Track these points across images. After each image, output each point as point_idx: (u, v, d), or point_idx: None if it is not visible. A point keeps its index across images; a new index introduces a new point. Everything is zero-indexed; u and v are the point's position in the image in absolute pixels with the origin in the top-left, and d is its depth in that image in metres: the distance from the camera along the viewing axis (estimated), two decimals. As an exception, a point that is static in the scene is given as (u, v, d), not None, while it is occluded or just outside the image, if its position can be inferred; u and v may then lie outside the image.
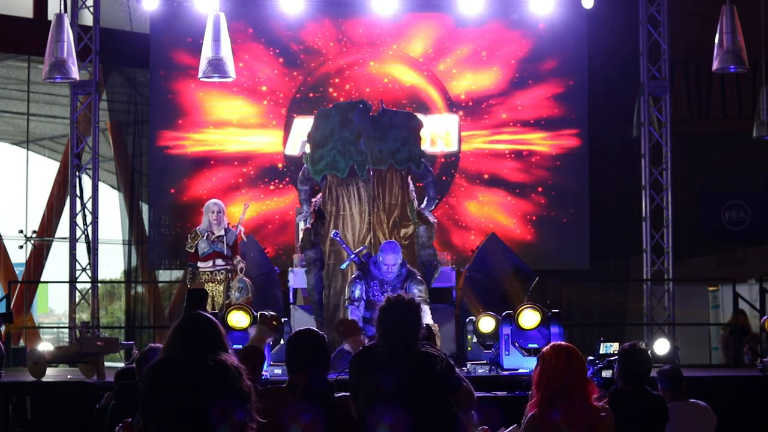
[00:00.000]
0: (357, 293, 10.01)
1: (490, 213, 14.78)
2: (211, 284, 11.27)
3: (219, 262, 11.33)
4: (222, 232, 11.30)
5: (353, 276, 10.17)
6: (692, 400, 7.16)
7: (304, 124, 14.54)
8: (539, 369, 5.30)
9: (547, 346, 5.40)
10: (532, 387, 5.31)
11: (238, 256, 11.38)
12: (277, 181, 14.65)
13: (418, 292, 9.98)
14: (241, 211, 11.84)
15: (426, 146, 14.22)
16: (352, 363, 5.06)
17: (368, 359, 5.02)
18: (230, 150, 14.65)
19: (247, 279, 11.22)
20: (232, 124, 14.67)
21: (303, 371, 5.05)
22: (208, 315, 4.59)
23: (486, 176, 14.81)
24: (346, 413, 5.00)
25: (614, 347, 6.96)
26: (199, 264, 11.32)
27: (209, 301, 11.00)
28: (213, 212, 11.38)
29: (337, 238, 10.68)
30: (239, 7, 14.10)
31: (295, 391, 5.01)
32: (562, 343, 5.53)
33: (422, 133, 11.72)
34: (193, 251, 11.41)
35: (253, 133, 14.68)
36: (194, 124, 14.61)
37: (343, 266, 10.75)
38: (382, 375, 4.89)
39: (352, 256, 10.24)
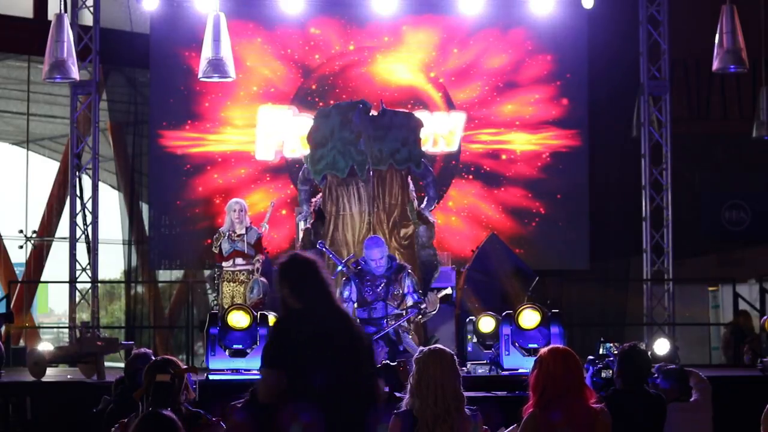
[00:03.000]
0: (345, 294, 10.02)
1: (488, 212, 14.77)
2: (232, 284, 11.15)
3: (239, 261, 11.16)
4: (243, 231, 11.22)
5: (344, 278, 10.18)
6: (692, 400, 7.18)
7: (269, 116, 14.53)
8: (536, 373, 5.29)
9: (545, 349, 5.39)
10: (529, 390, 5.30)
11: (260, 255, 11.22)
12: (278, 180, 14.65)
13: (411, 284, 10.01)
14: (268, 211, 11.74)
15: (428, 146, 14.26)
16: (277, 329, 5.02)
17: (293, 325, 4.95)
18: (230, 150, 14.64)
19: (263, 279, 11.11)
20: (233, 124, 14.66)
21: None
22: (169, 415, 4.46)
23: (485, 175, 14.81)
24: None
25: (614, 347, 6.97)
26: (223, 264, 11.26)
27: (230, 301, 10.93)
28: (235, 211, 11.23)
29: (324, 249, 10.65)
30: (240, 7, 14.09)
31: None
32: (559, 346, 5.53)
33: (423, 132, 11.72)
34: (217, 252, 11.32)
35: (253, 133, 14.67)
36: (195, 124, 14.60)
37: (333, 277, 10.76)
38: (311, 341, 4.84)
39: (341, 265, 10.23)
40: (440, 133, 14.72)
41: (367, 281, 10.01)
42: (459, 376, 5.21)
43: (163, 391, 5.17)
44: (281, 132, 14.59)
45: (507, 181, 14.80)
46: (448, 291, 10.41)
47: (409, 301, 10.00)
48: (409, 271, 10.18)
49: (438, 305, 10.22)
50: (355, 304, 9.96)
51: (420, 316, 10.16)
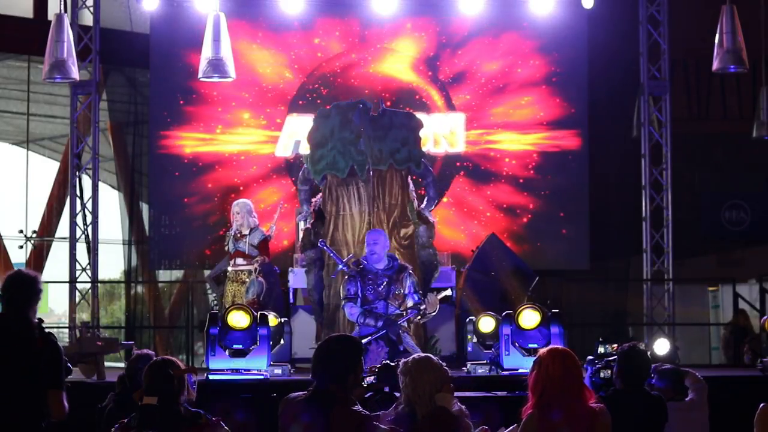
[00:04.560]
0: (351, 291, 10.02)
1: (487, 211, 14.77)
2: (234, 284, 11.20)
3: (239, 261, 11.22)
4: (247, 232, 11.26)
5: (346, 276, 10.19)
6: (688, 399, 7.17)
7: (296, 123, 14.56)
8: (535, 374, 5.30)
9: (544, 350, 5.40)
10: (528, 390, 5.31)
11: (261, 256, 11.22)
12: (278, 180, 14.65)
13: (412, 284, 10.02)
14: (276, 212, 11.77)
15: (429, 146, 14.26)
16: None
17: None
18: (230, 150, 14.65)
19: (261, 279, 11.12)
20: (233, 123, 14.67)
21: (322, 379, 5.12)
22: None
23: (484, 175, 14.81)
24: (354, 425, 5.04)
25: (613, 347, 6.97)
26: (230, 264, 11.35)
27: (230, 301, 10.95)
28: (238, 213, 11.33)
29: (325, 247, 10.66)
30: (240, 7, 14.09)
31: (311, 397, 5.08)
32: (559, 347, 5.53)
33: (423, 132, 11.72)
34: (227, 251, 11.42)
35: (252, 133, 14.69)
36: (194, 124, 14.61)
37: (333, 276, 10.77)
38: None
39: (341, 264, 10.23)
40: (441, 133, 14.73)
41: (368, 280, 10.01)
42: (448, 374, 5.35)
43: (150, 414, 5.16)
44: (300, 134, 14.58)
45: (506, 181, 14.80)
46: (448, 292, 10.40)
47: (410, 302, 10.00)
48: (410, 271, 10.18)
49: (438, 306, 10.21)
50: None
51: (419, 317, 10.15)
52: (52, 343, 5.62)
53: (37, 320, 5.68)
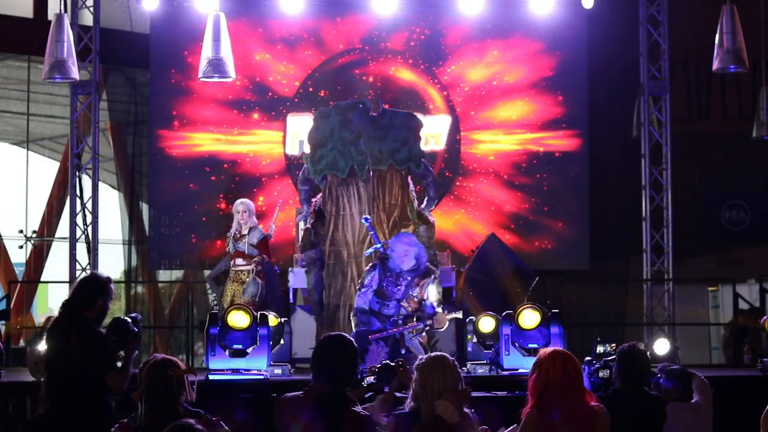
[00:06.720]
0: (366, 280, 10.03)
1: (487, 211, 14.77)
2: (234, 284, 11.23)
3: (239, 261, 11.25)
4: (247, 232, 11.28)
5: (371, 263, 10.20)
6: (693, 401, 7.16)
7: (297, 123, 14.58)
8: (536, 377, 5.30)
9: (544, 353, 5.39)
10: (528, 393, 5.31)
11: (259, 256, 11.26)
12: (278, 180, 14.65)
13: (437, 293, 10.00)
14: (275, 212, 11.78)
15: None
16: None
17: None
18: (230, 150, 14.65)
19: (259, 280, 11.13)
20: (233, 123, 14.67)
21: (325, 380, 5.12)
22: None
23: (486, 175, 14.81)
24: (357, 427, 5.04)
25: (612, 347, 6.96)
26: (229, 264, 11.38)
27: (230, 301, 10.98)
28: (239, 212, 11.34)
29: (367, 224, 10.65)
30: (240, 7, 14.09)
31: (312, 398, 5.07)
32: (558, 349, 5.54)
33: (422, 133, 11.73)
34: (228, 252, 11.45)
35: (253, 133, 14.69)
36: (194, 123, 14.61)
37: (367, 253, 10.73)
38: None
39: (379, 245, 10.24)
40: (430, 133, 14.72)
41: (389, 276, 9.99)
42: (460, 378, 5.27)
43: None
44: (302, 134, 14.59)
45: (506, 182, 14.80)
46: (459, 315, 10.36)
47: (422, 312, 10.00)
48: (435, 277, 10.12)
49: (446, 325, 10.17)
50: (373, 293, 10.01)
51: (424, 331, 10.11)
52: (86, 337, 6.19)
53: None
